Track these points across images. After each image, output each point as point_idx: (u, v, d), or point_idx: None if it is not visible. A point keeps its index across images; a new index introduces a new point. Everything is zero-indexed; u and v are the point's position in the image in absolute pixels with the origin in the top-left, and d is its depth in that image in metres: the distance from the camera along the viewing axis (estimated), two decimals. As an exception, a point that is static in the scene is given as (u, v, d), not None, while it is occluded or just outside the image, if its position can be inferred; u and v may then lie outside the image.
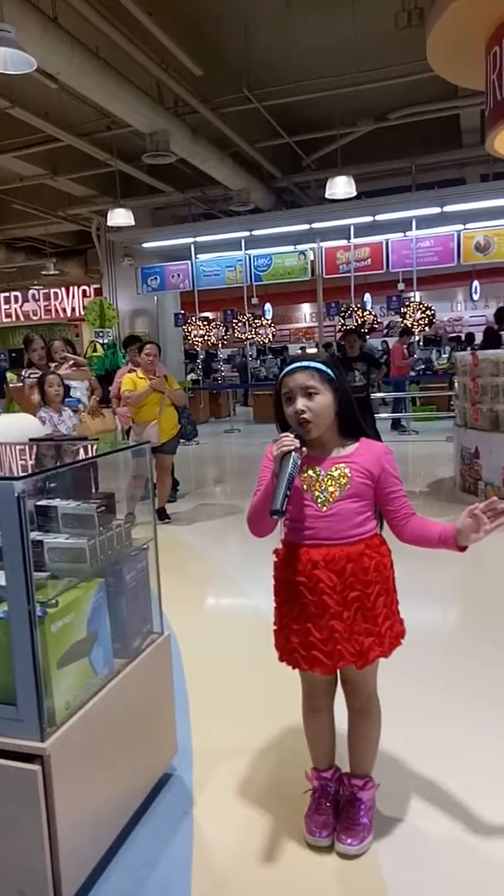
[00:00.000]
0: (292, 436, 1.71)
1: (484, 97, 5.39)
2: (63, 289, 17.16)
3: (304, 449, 1.72)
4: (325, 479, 1.79)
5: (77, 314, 16.64)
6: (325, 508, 1.78)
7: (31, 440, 2.65)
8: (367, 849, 1.88)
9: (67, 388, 4.95)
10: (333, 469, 1.79)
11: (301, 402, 1.75)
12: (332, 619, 1.76)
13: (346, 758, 2.01)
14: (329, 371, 1.77)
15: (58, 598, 1.76)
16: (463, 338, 15.66)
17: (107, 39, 6.59)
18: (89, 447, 2.57)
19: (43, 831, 1.62)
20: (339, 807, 1.97)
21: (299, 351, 12.73)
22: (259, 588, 4.05)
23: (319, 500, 1.78)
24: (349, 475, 1.78)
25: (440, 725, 2.53)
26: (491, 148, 5.64)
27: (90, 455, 2.33)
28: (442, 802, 2.07)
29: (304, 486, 1.79)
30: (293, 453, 1.68)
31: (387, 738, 2.02)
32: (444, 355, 14.59)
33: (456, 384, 6.59)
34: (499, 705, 2.64)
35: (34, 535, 1.87)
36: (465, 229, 11.15)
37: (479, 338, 12.95)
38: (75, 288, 17.03)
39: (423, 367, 12.09)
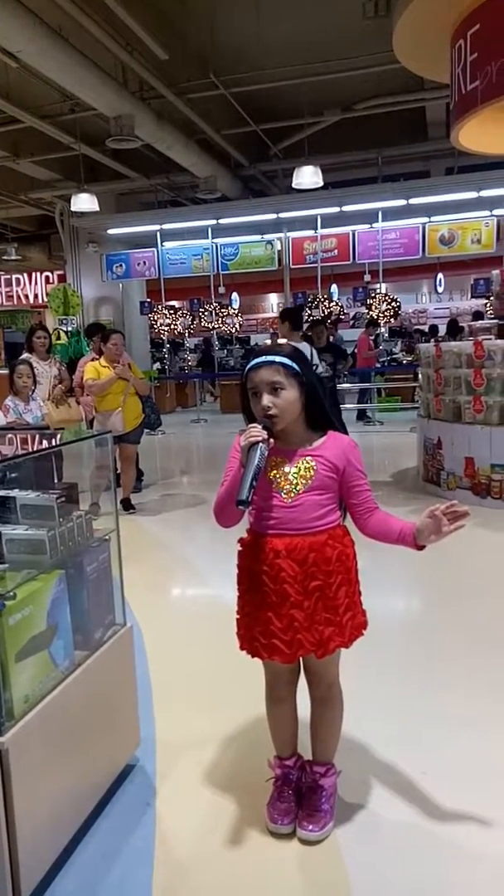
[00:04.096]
0: (260, 427, 1.70)
1: (449, 90, 5.44)
2: (25, 274, 16.78)
3: (271, 440, 1.72)
4: (292, 472, 1.79)
5: (40, 301, 16.30)
6: (289, 500, 1.78)
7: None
8: (328, 835, 1.90)
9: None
10: (300, 462, 1.79)
11: (267, 399, 1.74)
12: (293, 608, 1.76)
13: (308, 745, 2.03)
14: (294, 365, 1.77)
15: (16, 591, 1.73)
16: (427, 329, 15.84)
17: (70, 19, 6.43)
18: (51, 437, 2.52)
19: (1, 827, 1.59)
20: (300, 794, 1.99)
21: (267, 342, 12.72)
22: (224, 578, 4.05)
23: (285, 492, 1.79)
24: (315, 468, 1.78)
25: (401, 714, 2.57)
26: (456, 141, 5.70)
27: (50, 445, 2.28)
28: (401, 788, 2.10)
29: (271, 478, 1.79)
30: (260, 444, 1.68)
31: (349, 725, 2.04)
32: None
33: (420, 376, 6.67)
34: (459, 694, 2.69)
35: (-8, 526, 1.83)
36: (430, 222, 11.27)
37: (442, 330, 13.13)
38: (38, 274, 16.67)
39: (388, 358, 12.21)
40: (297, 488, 1.78)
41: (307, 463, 1.79)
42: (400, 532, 1.78)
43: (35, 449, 2.25)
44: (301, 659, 1.88)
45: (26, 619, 1.73)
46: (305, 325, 8.29)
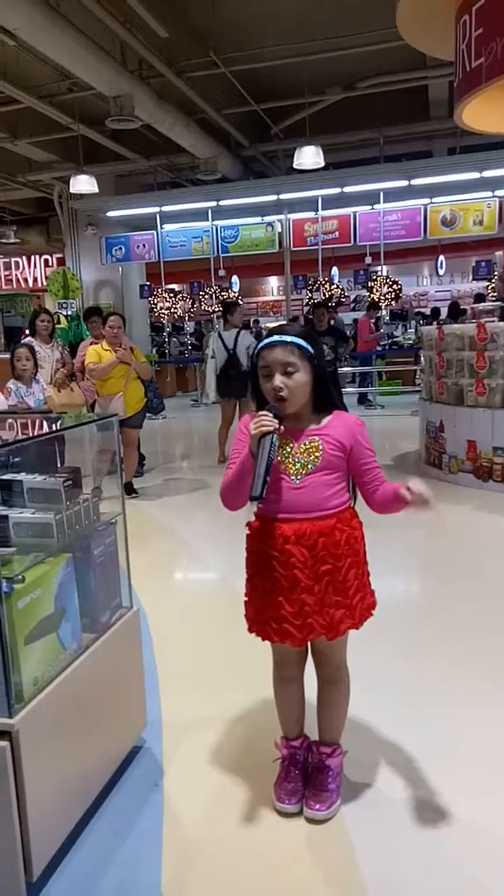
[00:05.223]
0: (271, 415, 1.69)
1: (453, 68, 5.35)
2: (24, 258, 16.65)
3: (281, 427, 1.71)
4: (298, 452, 1.78)
5: (39, 284, 16.19)
6: (297, 481, 1.77)
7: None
8: (334, 814, 1.92)
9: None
10: (307, 441, 1.79)
11: (279, 380, 1.72)
12: (303, 592, 1.76)
13: (315, 726, 2.04)
14: (308, 346, 1.75)
15: (24, 574, 1.72)
16: (429, 312, 15.76)
17: (68, -5, 6.33)
18: (54, 421, 2.51)
19: (12, 807, 1.61)
20: (307, 774, 2.00)
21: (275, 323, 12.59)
22: (227, 561, 4.07)
23: (292, 473, 1.78)
24: (321, 448, 1.77)
25: (408, 694, 2.58)
26: (459, 120, 5.61)
27: (55, 429, 2.28)
28: (408, 768, 2.12)
29: (279, 459, 1.78)
30: (272, 435, 1.66)
31: (355, 706, 2.05)
32: (409, 330, 14.68)
33: (422, 358, 6.64)
34: (465, 674, 2.71)
35: (-2, 510, 1.83)
36: (432, 203, 11.17)
37: (444, 312, 13.06)
38: (37, 257, 16.54)
39: (389, 341, 12.16)
40: (305, 469, 1.77)
41: (313, 442, 1.78)
42: (393, 494, 1.77)
43: (39, 433, 2.24)
44: (309, 641, 1.89)
45: (35, 602, 1.73)
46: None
